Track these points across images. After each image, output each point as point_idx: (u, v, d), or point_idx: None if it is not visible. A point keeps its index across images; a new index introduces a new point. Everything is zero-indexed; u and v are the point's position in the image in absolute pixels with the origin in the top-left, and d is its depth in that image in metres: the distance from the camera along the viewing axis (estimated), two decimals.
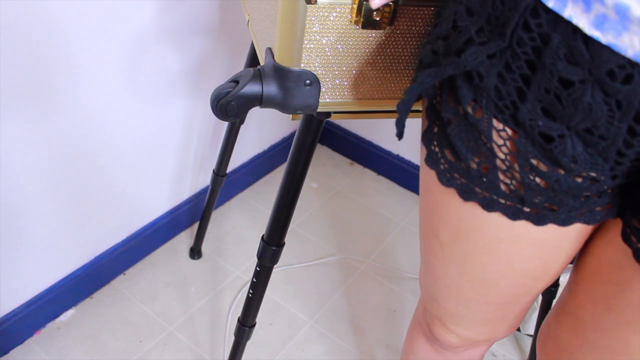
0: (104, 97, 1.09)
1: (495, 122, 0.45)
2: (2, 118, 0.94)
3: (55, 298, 1.23)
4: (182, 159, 1.37)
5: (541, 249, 0.52)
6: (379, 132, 1.70)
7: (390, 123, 1.66)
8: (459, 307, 0.63)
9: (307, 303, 1.35)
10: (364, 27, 0.60)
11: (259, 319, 0.96)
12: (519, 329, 1.30)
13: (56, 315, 1.26)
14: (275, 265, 0.87)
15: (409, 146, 1.66)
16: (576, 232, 0.51)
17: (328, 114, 0.69)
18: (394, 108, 0.70)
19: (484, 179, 0.48)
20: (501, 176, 0.47)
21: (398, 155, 1.69)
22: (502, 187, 0.47)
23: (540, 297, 1.03)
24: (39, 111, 0.99)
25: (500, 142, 0.46)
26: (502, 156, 0.46)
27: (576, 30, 0.38)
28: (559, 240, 0.51)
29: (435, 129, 0.51)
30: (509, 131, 0.45)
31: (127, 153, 1.21)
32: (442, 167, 0.50)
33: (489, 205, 0.49)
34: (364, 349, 1.27)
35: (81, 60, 1.01)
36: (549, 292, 0.99)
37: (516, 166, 0.46)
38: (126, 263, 1.37)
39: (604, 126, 0.40)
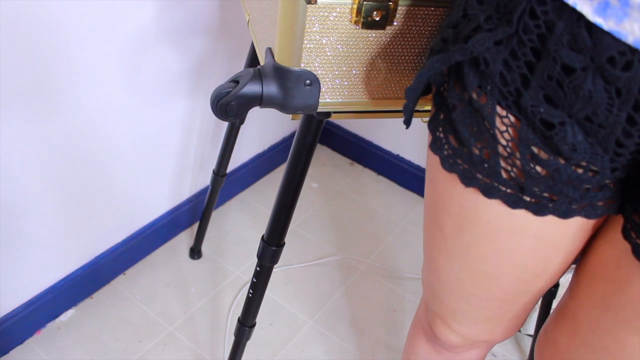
0: (104, 97, 1.09)
1: (498, 109, 0.46)
2: (2, 118, 0.94)
3: (55, 298, 1.23)
4: (182, 159, 1.37)
5: (542, 243, 0.52)
6: (379, 132, 1.70)
7: (390, 123, 1.65)
8: (461, 302, 0.63)
9: (307, 303, 1.35)
10: (364, 27, 0.60)
11: (259, 319, 0.96)
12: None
13: (56, 315, 1.26)
14: (275, 265, 0.87)
15: (409, 146, 1.66)
16: (577, 228, 0.51)
17: (328, 114, 0.69)
18: (394, 108, 0.70)
19: (486, 165, 0.48)
20: (502, 163, 0.47)
21: (398, 155, 1.69)
22: (503, 173, 0.48)
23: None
24: (39, 111, 0.99)
25: (503, 128, 0.46)
26: (504, 142, 0.46)
27: (580, 17, 0.38)
28: (560, 235, 0.51)
29: (441, 116, 0.51)
30: (512, 118, 0.45)
31: (127, 153, 1.21)
32: (445, 152, 0.51)
33: (489, 192, 0.49)
34: (364, 349, 1.27)
35: (81, 60, 1.01)
36: (549, 292, 0.99)
37: (517, 153, 0.46)
38: (126, 263, 1.37)
39: (603, 114, 0.41)
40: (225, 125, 1.36)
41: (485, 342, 0.69)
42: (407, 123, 0.53)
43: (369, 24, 0.60)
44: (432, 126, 0.52)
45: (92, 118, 1.09)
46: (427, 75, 0.48)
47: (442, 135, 0.51)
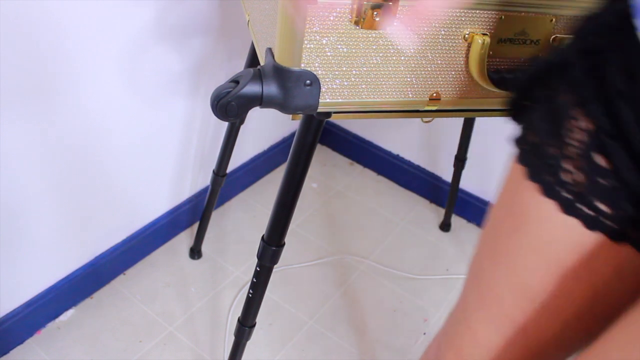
0: (104, 97, 1.09)
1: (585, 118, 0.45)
2: (2, 118, 0.94)
3: (55, 298, 1.23)
4: (182, 159, 1.37)
5: (593, 264, 0.48)
6: (379, 132, 1.70)
7: (390, 123, 1.65)
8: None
9: (307, 303, 1.35)
10: (364, 27, 0.60)
11: (259, 319, 0.96)
12: None
13: (56, 315, 1.26)
14: (275, 265, 0.87)
15: (409, 146, 1.66)
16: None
17: (328, 114, 0.69)
18: (394, 108, 0.70)
19: (554, 164, 0.47)
20: (567, 165, 0.46)
21: (398, 155, 1.69)
22: (564, 176, 0.46)
23: None
24: (39, 111, 0.99)
25: (582, 136, 0.45)
26: (575, 150, 0.46)
27: None
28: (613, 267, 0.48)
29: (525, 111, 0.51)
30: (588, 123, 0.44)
31: (127, 153, 1.21)
32: (522, 148, 0.51)
33: (549, 192, 0.48)
34: (364, 349, 1.27)
35: (81, 61, 1.01)
36: None
37: (586, 165, 0.45)
38: (126, 263, 1.37)
39: None
40: (225, 125, 1.36)
41: None
42: (514, 118, 0.53)
43: (368, 24, 0.60)
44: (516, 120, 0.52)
45: (92, 118, 1.09)
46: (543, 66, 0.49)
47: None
